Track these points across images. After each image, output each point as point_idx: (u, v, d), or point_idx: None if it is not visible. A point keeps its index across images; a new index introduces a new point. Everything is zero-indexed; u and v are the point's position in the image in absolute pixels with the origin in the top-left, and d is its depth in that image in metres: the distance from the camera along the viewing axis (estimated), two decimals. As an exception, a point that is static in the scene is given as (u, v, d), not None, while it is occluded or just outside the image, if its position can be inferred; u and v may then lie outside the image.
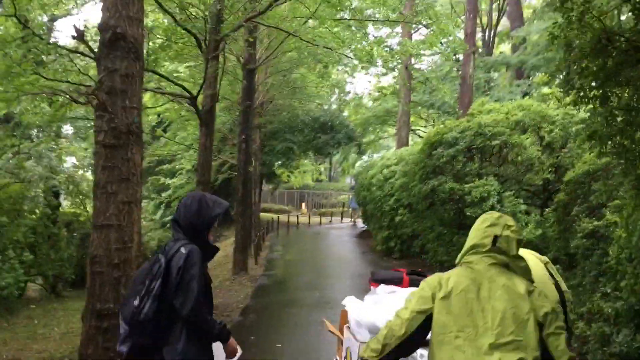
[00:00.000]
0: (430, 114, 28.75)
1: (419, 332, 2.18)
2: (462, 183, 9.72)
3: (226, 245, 20.60)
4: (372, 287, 3.32)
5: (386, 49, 13.40)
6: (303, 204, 38.46)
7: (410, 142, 21.21)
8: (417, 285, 2.47)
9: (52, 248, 14.71)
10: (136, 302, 2.64)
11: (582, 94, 3.77)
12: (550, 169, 9.36)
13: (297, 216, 28.27)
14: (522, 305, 2.10)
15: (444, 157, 10.08)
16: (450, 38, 13.37)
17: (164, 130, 20.98)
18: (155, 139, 19.23)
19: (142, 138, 4.88)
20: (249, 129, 11.98)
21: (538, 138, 9.75)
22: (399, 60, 17.40)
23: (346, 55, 9.86)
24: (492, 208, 9.01)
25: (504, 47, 30.17)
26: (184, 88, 7.95)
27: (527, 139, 9.49)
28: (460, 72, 16.25)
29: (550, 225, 9.10)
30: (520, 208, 9.11)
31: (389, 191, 15.08)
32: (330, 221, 29.99)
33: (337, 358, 3.44)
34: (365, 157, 33.82)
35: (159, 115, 19.78)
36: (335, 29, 8.76)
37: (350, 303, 3.21)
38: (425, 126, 28.86)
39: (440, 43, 14.09)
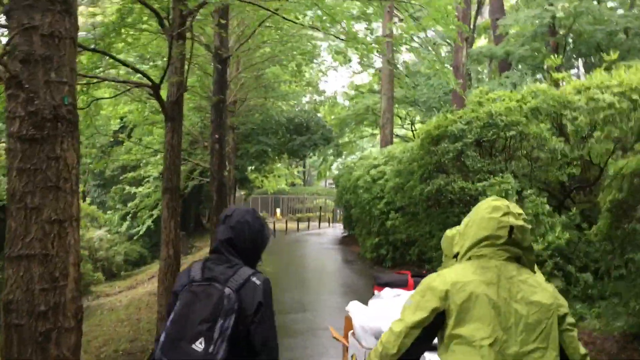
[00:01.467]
0: (409, 111, 27.63)
1: (416, 346, 2.00)
2: (473, 181, 8.42)
3: (199, 257, 19.01)
4: (376, 291, 3.21)
5: (369, 37, 11.99)
6: (278, 210, 37.16)
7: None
8: None
9: None
10: (202, 346, 2.14)
11: None
12: (575, 163, 8.13)
13: (274, 223, 26.81)
14: (545, 306, 1.96)
15: (450, 153, 8.77)
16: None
17: (128, 136, 19.39)
18: (117, 144, 17.49)
19: (77, 126, 3.39)
20: (222, 127, 10.51)
21: (557, 127, 8.52)
22: (379, 55, 16.21)
23: (335, 36, 8.41)
24: (512, 209, 7.74)
25: (482, 42, 29.25)
26: (143, 74, 6.45)
27: (546, 128, 8.26)
28: (452, 63, 15.03)
29: (579, 229, 7.91)
30: (544, 209, 7.84)
31: (378, 193, 13.74)
32: (308, 227, 28.60)
33: None
34: (342, 159, 32.61)
35: (122, 120, 18.16)
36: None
37: (355, 308, 3.08)
38: (405, 125, 27.65)
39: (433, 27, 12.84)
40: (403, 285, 3.27)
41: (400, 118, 27.82)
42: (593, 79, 8.72)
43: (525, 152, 8.63)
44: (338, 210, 34.22)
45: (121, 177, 21.81)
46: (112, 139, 18.71)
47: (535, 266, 2.29)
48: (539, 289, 2.00)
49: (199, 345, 2.16)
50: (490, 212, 2.09)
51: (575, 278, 7.67)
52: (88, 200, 23.02)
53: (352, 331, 3.09)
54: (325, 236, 23.14)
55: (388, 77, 18.15)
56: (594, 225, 8.22)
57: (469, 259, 2.09)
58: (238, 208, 2.58)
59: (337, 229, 25.82)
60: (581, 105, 8.12)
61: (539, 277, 2.16)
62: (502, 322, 1.91)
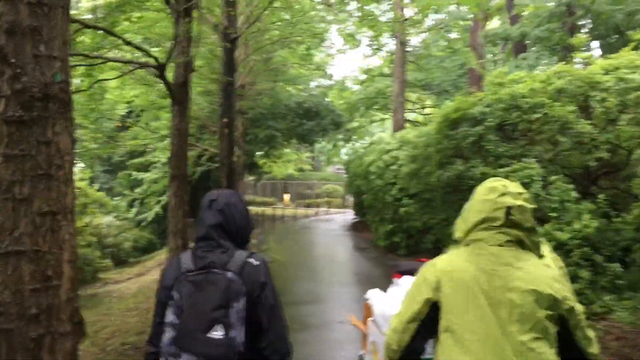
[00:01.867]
0: (420, 96, 27.12)
1: (417, 341, 1.92)
2: (495, 167, 8.01)
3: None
4: (395, 279, 3.16)
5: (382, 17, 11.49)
6: (286, 195, 36.90)
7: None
8: None
9: None
10: (221, 332, 2.08)
11: None
12: (603, 147, 7.69)
13: (283, 209, 26.52)
14: (544, 296, 1.80)
15: (470, 137, 8.35)
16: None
17: (136, 121, 19.08)
18: (124, 129, 17.16)
19: (70, 107, 3.02)
20: (231, 111, 10.14)
21: (584, 109, 8.07)
22: (391, 37, 15.76)
23: (350, 14, 7.97)
24: (536, 196, 7.34)
25: (495, 24, 28.59)
26: (148, 53, 6.05)
27: (572, 110, 7.81)
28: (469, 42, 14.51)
29: (606, 217, 7.50)
30: (571, 196, 7.42)
31: (391, 179, 13.35)
32: (317, 213, 28.32)
33: (363, 352, 3.33)
34: (351, 145, 32.16)
35: (128, 104, 17.82)
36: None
37: (375, 296, 3.10)
38: (415, 109, 27.14)
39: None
40: None
41: (411, 102, 27.33)
42: (621, 59, 8.26)
43: (549, 135, 8.19)
44: (347, 196, 33.96)
45: (128, 163, 21.57)
46: (120, 125, 18.45)
47: (547, 247, 2.18)
48: (539, 277, 1.86)
49: (217, 333, 2.11)
50: (487, 193, 1.99)
51: (603, 268, 7.27)
52: (96, 186, 22.77)
53: (371, 318, 3.08)
54: (335, 222, 22.82)
55: (400, 59, 17.66)
56: (621, 212, 7.85)
57: (467, 244, 1.99)
58: (222, 191, 2.47)
59: (347, 215, 25.51)
60: (610, 85, 7.66)
61: (548, 260, 2.05)
62: (495, 311, 1.81)
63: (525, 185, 7.55)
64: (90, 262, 16.34)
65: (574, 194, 7.45)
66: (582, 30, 18.82)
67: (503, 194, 1.96)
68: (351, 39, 26.62)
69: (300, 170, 41.12)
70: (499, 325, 1.79)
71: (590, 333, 1.93)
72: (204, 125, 17.16)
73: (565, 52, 18.35)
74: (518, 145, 8.20)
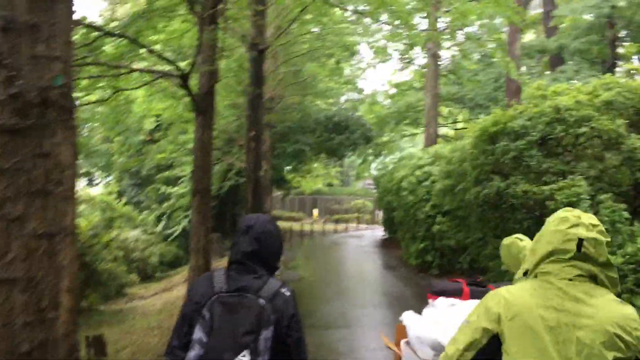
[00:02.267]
0: (451, 110, 26.56)
1: None
2: (538, 184, 7.49)
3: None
4: (430, 300, 3.06)
5: (406, 33, 11.11)
6: (315, 211, 36.56)
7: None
8: (479, 297, 2.32)
9: None
10: (247, 358, 2.10)
11: None
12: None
13: (311, 224, 26.14)
14: (615, 337, 1.67)
15: (511, 152, 7.85)
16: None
17: (164, 135, 18.99)
18: (151, 143, 17.03)
19: (73, 114, 2.68)
20: (258, 124, 9.81)
21: (635, 123, 7.53)
22: (424, 51, 15.34)
23: (386, 24, 7.60)
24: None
25: (529, 37, 27.94)
26: (171, 62, 5.76)
27: (622, 124, 7.28)
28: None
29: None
30: (622, 216, 6.85)
31: (424, 196, 12.85)
32: (346, 229, 27.84)
33: None
34: (381, 159, 31.69)
35: (157, 118, 17.73)
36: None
37: (409, 318, 2.97)
38: (447, 124, 26.56)
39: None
40: (457, 294, 3.09)
41: (443, 117, 26.78)
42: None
43: (596, 151, 7.65)
44: (377, 212, 33.42)
45: (156, 177, 21.46)
46: (148, 138, 18.36)
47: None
48: (612, 315, 1.73)
49: (244, 358, 2.12)
50: (557, 224, 1.87)
51: (659, 296, 6.67)
52: (124, 200, 22.70)
53: (405, 340, 2.99)
54: (364, 238, 22.32)
55: (433, 72, 17.21)
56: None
57: (535, 276, 1.88)
58: (259, 216, 2.49)
59: (376, 231, 24.99)
60: (664, 98, 7.11)
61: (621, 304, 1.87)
62: (561, 351, 1.70)
63: (572, 204, 7.02)
64: (116, 276, 16.12)
65: (626, 214, 6.88)
66: (622, 43, 18.15)
67: (575, 225, 1.83)
68: (382, 51, 26.34)
69: (329, 185, 40.80)
70: None
71: None
72: (232, 138, 16.91)
73: (606, 64, 17.71)
74: (562, 161, 7.66)
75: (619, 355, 1.68)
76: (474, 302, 2.71)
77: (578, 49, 17.48)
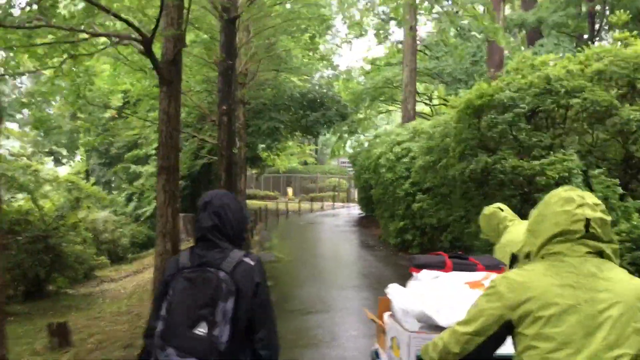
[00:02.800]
0: (427, 86, 26.17)
1: (479, 353, 1.83)
2: (528, 159, 7.11)
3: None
4: (414, 273, 2.97)
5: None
6: (289, 189, 36.09)
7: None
8: (462, 270, 2.83)
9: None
10: (204, 330, 2.13)
11: None
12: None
13: (286, 203, 25.67)
14: (634, 308, 1.70)
15: (499, 125, 7.45)
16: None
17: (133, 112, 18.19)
18: (117, 119, 16.26)
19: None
20: (231, 98, 9.24)
21: (629, 94, 7.18)
22: (400, 22, 14.85)
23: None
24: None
25: (507, 11, 27.55)
26: (130, 24, 5.14)
27: (616, 95, 6.92)
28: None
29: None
30: (616, 192, 6.52)
31: (403, 173, 12.46)
32: (322, 207, 27.47)
33: (378, 347, 3.14)
34: (356, 137, 31.23)
35: (125, 94, 16.97)
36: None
37: (395, 291, 2.88)
38: (424, 101, 26.16)
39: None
40: (441, 266, 3.00)
41: (418, 93, 26.33)
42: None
43: (588, 124, 7.30)
44: (352, 190, 33.08)
45: (126, 156, 20.70)
46: (115, 115, 17.54)
47: None
48: (627, 287, 1.74)
49: (201, 330, 2.16)
50: (563, 204, 1.85)
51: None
52: (92, 179, 21.88)
53: (388, 313, 2.95)
54: (340, 217, 21.98)
55: (411, 47, 16.71)
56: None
57: (542, 257, 1.85)
58: (216, 191, 2.56)
59: (352, 210, 24.69)
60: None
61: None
62: (585, 327, 1.68)
63: (565, 180, 6.66)
64: (85, 259, 15.46)
65: (620, 190, 6.55)
66: (598, 17, 17.87)
67: (581, 205, 1.81)
68: (357, 26, 25.71)
69: (304, 163, 40.28)
70: (590, 340, 1.67)
71: None
72: (204, 115, 16.25)
73: (584, 39, 17.44)
74: (553, 134, 7.30)
75: (638, 325, 1.70)
76: (457, 274, 2.83)
77: (557, 23, 17.16)
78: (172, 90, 5.61)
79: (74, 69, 7.86)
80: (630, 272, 5.42)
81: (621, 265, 5.66)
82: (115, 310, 11.15)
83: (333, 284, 9.36)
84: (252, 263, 2.31)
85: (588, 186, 6.72)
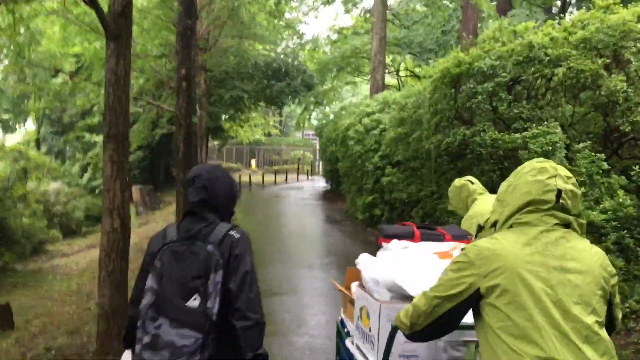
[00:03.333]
0: (395, 57, 25.63)
1: (450, 316, 1.85)
2: (509, 132, 6.68)
3: (168, 214, 17.21)
4: (383, 244, 2.97)
5: None
6: (253, 161, 35.38)
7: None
8: (430, 240, 2.93)
9: None
10: (197, 302, 2.18)
11: None
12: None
13: (249, 175, 25.00)
14: (598, 276, 1.77)
15: (478, 95, 6.98)
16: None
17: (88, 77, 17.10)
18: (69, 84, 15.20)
19: None
20: (190, 62, 8.53)
21: (615, 64, 6.78)
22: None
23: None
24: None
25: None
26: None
27: (601, 64, 6.51)
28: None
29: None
30: (601, 166, 6.14)
31: (372, 145, 11.97)
32: (286, 180, 26.88)
33: (344, 317, 3.15)
34: (321, 109, 30.62)
35: (77, 60, 15.88)
36: None
37: (365, 261, 2.87)
38: (391, 72, 25.63)
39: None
40: (409, 237, 3.00)
41: (386, 65, 25.76)
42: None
43: (571, 95, 6.89)
44: (317, 162, 32.59)
45: (80, 124, 19.62)
46: (69, 80, 16.45)
47: None
48: (591, 256, 1.78)
49: (194, 302, 2.19)
50: (535, 174, 1.84)
51: (636, 255, 6.07)
52: (43, 148, 20.74)
53: (357, 283, 2.93)
54: (305, 190, 21.47)
55: (381, 14, 16.09)
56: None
57: (510, 227, 1.84)
58: (204, 166, 2.57)
59: (317, 183, 24.22)
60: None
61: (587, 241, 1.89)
62: (553, 294, 1.68)
63: (547, 154, 6.26)
64: (34, 233, 14.60)
65: (605, 165, 6.18)
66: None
67: (553, 176, 1.82)
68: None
69: (268, 135, 39.51)
70: (560, 309, 1.67)
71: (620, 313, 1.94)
72: (162, 81, 15.38)
73: (552, 13, 17.15)
74: (535, 105, 6.87)
75: (602, 293, 1.75)
76: (426, 244, 2.86)
77: (528, -7, 16.80)
78: (121, 46, 4.92)
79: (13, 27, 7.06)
80: (612, 252, 5.03)
81: (605, 246, 5.27)
82: (65, 288, 10.46)
83: (300, 263, 8.86)
84: (237, 236, 2.31)
85: (570, 161, 6.36)
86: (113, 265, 4.93)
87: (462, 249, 1.92)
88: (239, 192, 2.59)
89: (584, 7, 16.81)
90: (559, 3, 18.68)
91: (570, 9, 18.51)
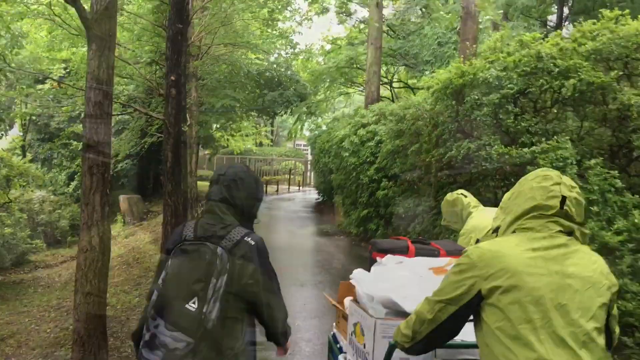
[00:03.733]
0: (389, 69, 25.36)
1: (453, 321, 1.84)
2: (516, 147, 6.33)
3: (156, 225, 16.72)
4: (377, 258, 2.96)
5: None
6: (244, 171, 34.87)
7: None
8: (425, 255, 2.88)
9: None
10: (195, 305, 2.14)
11: None
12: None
13: (240, 186, 24.56)
14: (599, 284, 1.76)
15: (484, 107, 6.63)
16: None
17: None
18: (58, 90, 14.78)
19: None
20: (181, 68, 8.14)
21: (627, 76, 6.48)
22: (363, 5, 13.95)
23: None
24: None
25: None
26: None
27: (614, 77, 6.20)
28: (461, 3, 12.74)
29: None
30: (614, 184, 5.80)
31: (368, 157, 11.61)
32: (277, 191, 26.46)
33: (336, 332, 3.16)
34: (313, 119, 30.27)
35: (65, 66, 15.46)
36: None
37: (358, 276, 2.84)
38: (386, 84, 25.34)
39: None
40: (404, 251, 2.96)
41: (384, 77, 25.51)
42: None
43: (581, 108, 6.57)
44: (309, 173, 32.18)
45: (67, 131, 19.10)
46: (56, 86, 16.01)
47: None
48: (592, 263, 1.79)
49: (192, 305, 2.14)
50: (540, 181, 1.88)
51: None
52: (29, 155, 20.20)
53: (350, 298, 2.86)
54: (297, 202, 21.09)
55: (377, 24, 15.79)
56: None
57: (513, 232, 1.86)
58: (231, 166, 2.52)
59: (309, 194, 23.86)
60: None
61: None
62: (555, 299, 1.68)
63: (559, 170, 5.92)
64: (15, 244, 14.06)
65: (618, 183, 5.83)
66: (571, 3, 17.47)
67: (557, 183, 1.84)
68: (317, 4, 24.58)
69: (259, 145, 39.07)
70: (560, 313, 1.66)
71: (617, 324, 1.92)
72: (153, 89, 14.97)
73: (547, 26, 17.00)
74: (544, 119, 6.54)
75: (603, 300, 1.74)
76: (421, 259, 2.83)
77: (526, 6, 16.62)
78: (103, 48, 4.52)
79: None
80: (626, 274, 4.64)
81: (619, 269, 4.89)
82: (45, 303, 9.96)
83: (291, 280, 8.45)
84: (252, 242, 2.26)
85: (580, 177, 6.02)
86: (90, 286, 4.51)
87: (465, 250, 1.90)
88: (261, 197, 2.53)
89: (580, 21, 16.66)
90: (553, 18, 18.59)
91: (564, 22, 18.40)
